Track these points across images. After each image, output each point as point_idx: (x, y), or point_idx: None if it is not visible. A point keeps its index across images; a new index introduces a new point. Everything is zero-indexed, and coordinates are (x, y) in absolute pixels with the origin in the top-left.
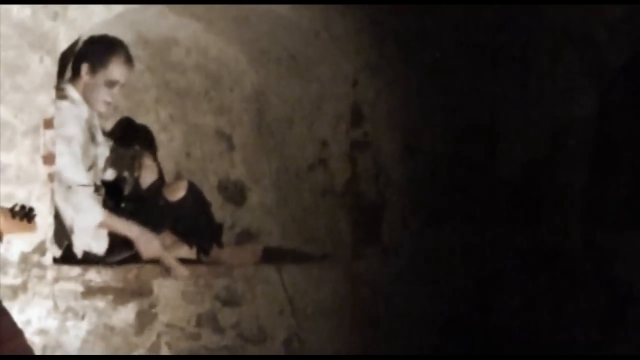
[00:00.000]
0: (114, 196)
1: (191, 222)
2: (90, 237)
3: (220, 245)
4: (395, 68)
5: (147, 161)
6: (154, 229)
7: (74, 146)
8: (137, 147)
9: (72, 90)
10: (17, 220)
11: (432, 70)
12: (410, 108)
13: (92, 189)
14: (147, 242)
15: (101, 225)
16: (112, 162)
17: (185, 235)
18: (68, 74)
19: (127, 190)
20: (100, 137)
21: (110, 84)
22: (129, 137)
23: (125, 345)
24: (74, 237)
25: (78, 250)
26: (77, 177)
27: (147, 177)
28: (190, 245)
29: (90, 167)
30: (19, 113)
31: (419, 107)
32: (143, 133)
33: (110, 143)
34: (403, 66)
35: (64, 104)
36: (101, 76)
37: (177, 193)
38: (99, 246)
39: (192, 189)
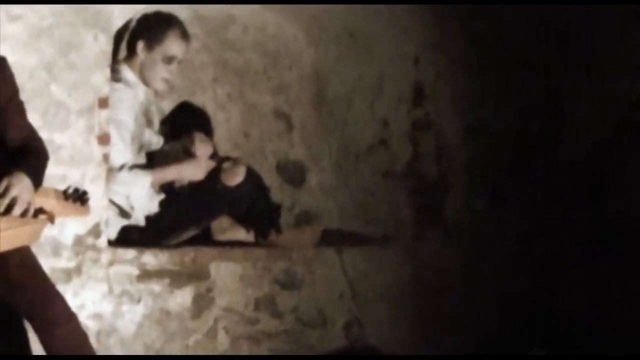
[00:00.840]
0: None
1: (249, 206)
2: (148, 200)
3: (278, 229)
4: (458, 46)
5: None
6: (210, 214)
7: (123, 131)
8: (189, 140)
9: (127, 71)
10: (70, 203)
11: (496, 48)
12: (473, 87)
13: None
14: (193, 171)
15: (152, 183)
16: (167, 153)
17: (243, 218)
18: (123, 53)
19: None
20: (156, 123)
21: (168, 59)
22: (185, 122)
23: (181, 330)
24: (135, 211)
25: (140, 219)
26: (124, 161)
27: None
28: (248, 229)
29: (140, 151)
30: (73, 92)
31: (481, 86)
32: (200, 117)
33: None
34: (465, 44)
35: (118, 86)
36: (158, 52)
37: (235, 178)
38: (154, 206)
39: (251, 174)
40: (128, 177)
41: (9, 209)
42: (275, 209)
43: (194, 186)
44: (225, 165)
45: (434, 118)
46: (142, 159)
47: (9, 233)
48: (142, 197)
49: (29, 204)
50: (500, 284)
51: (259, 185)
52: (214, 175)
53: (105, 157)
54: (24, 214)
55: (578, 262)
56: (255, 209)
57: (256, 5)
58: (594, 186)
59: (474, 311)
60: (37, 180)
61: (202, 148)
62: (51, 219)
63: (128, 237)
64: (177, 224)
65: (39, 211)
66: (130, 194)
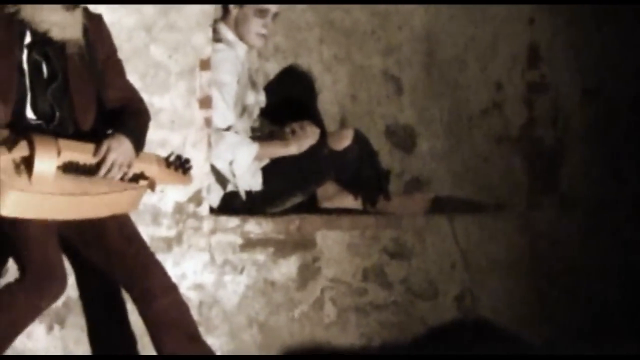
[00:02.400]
0: None
1: (357, 172)
2: (250, 175)
3: (387, 195)
4: (574, 5)
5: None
6: (317, 179)
7: (226, 93)
8: (298, 126)
9: (225, 31)
10: (171, 171)
11: (612, 7)
12: (590, 48)
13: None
14: (300, 145)
15: (257, 157)
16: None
17: (350, 185)
18: (219, 12)
19: None
20: (260, 85)
21: (261, 13)
22: (289, 85)
23: (286, 301)
24: (236, 179)
25: (241, 192)
26: (226, 124)
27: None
28: (356, 195)
29: (243, 113)
30: (174, 53)
31: (599, 47)
32: (304, 81)
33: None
34: (581, 3)
35: (220, 46)
36: (250, 6)
37: (342, 142)
38: (256, 183)
39: (358, 137)
40: (234, 141)
41: (108, 173)
42: (385, 175)
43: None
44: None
45: (549, 80)
46: (245, 124)
47: (108, 198)
48: (245, 167)
49: (129, 168)
50: (617, 253)
51: (367, 149)
52: (320, 139)
53: (207, 121)
54: (122, 178)
55: None
56: (363, 174)
57: None
58: None
59: (591, 283)
60: (138, 143)
61: (310, 135)
62: (152, 186)
63: (231, 205)
64: (282, 190)
65: (140, 177)
66: (235, 160)
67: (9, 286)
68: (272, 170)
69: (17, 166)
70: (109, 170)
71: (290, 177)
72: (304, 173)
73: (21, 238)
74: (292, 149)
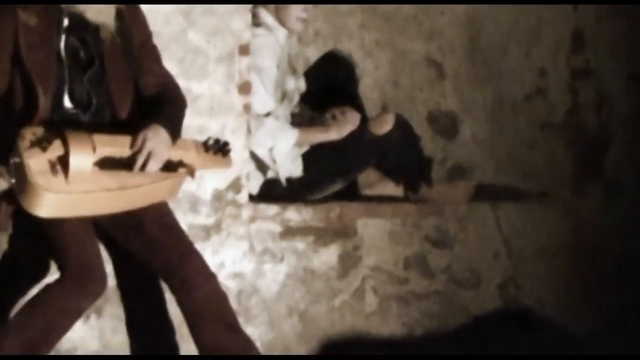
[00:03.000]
0: None
1: (398, 158)
2: (290, 162)
3: (429, 182)
4: None
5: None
6: (358, 165)
7: (265, 79)
8: (339, 111)
9: (265, 15)
10: (210, 155)
11: None
12: (635, 33)
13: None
14: (341, 130)
15: (297, 142)
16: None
17: (392, 171)
18: None
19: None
20: (300, 71)
21: None
22: (330, 71)
23: (327, 290)
24: (277, 166)
25: (280, 175)
26: (266, 110)
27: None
28: (397, 182)
29: (282, 99)
30: (212, 38)
31: None
32: (345, 66)
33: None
34: None
35: (259, 31)
36: None
37: (383, 127)
38: (296, 169)
39: (400, 122)
40: (274, 127)
41: (145, 164)
42: (427, 162)
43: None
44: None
45: (594, 66)
46: (285, 109)
47: (146, 189)
48: (285, 153)
49: (166, 158)
50: None
51: (409, 134)
52: (361, 124)
53: (246, 107)
54: (160, 168)
55: None
56: (405, 159)
57: None
58: None
59: (636, 272)
60: (174, 131)
61: (351, 121)
62: (191, 172)
63: (270, 192)
64: (322, 177)
65: (178, 165)
66: (275, 146)
67: (48, 287)
68: (313, 157)
69: (52, 166)
70: (145, 163)
71: (331, 164)
72: (345, 159)
73: (59, 238)
74: (333, 134)
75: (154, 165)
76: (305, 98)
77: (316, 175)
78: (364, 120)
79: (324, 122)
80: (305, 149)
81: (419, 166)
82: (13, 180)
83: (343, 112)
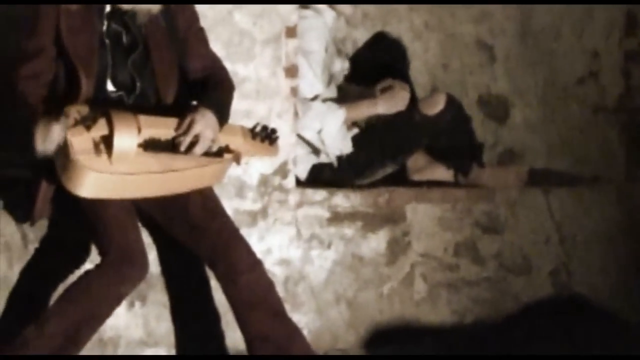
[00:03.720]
0: None
1: (450, 139)
2: (340, 140)
3: (481, 164)
4: None
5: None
6: (409, 147)
7: (313, 61)
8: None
9: None
10: (257, 142)
11: None
12: None
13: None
14: (387, 110)
15: (346, 119)
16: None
17: (443, 153)
18: None
19: None
20: (349, 53)
21: None
22: (379, 53)
23: (375, 277)
24: (326, 147)
25: (331, 157)
26: (313, 93)
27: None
28: (448, 166)
29: (330, 82)
30: (259, 20)
31: None
32: (395, 49)
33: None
34: None
35: (307, 13)
36: None
37: (434, 107)
38: (347, 146)
39: (452, 102)
40: (321, 110)
41: (191, 147)
42: (479, 143)
43: (389, 119)
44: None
45: None
46: (332, 92)
47: (191, 173)
48: (333, 134)
49: (213, 142)
50: None
51: (461, 114)
52: (411, 105)
53: (293, 91)
54: (207, 152)
55: None
56: (457, 140)
57: None
58: None
59: None
60: (222, 115)
61: (399, 95)
62: (237, 159)
63: (318, 177)
64: (372, 160)
65: (225, 150)
66: (323, 129)
67: (88, 273)
68: (363, 140)
69: (96, 146)
70: (192, 146)
71: (382, 146)
72: (396, 141)
73: (100, 222)
74: (380, 107)
75: (200, 148)
76: (353, 81)
77: (366, 159)
78: (415, 101)
79: (373, 95)
80: (355, 131)
81: (471, 147)
82: (69, 126)
83: (392, 86)
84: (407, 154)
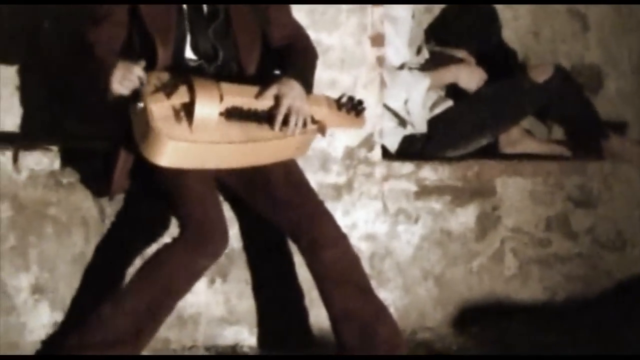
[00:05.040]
0: None
1: (562, 108)
2: (424, 107)
3: (605, 134)
4: None
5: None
6: (514, 116)
7: (400, 29)
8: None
9: None
10: (343, 113)
11: None
12: None
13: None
14: (469, 78)
15: (430, 87)
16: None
17: (560, 124)
18: None
19: None
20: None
21: None
22: (471, 21)
23: (464, 252)
24: (412, 117)
25: (417, 127)
26: (400, 62)
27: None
28: (572, 142)
29: (419, 51)
30: None
31: None
32: (486, 15)
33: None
34: None
35: None
36: None
37: (542, 75)
38: (427, 114)
39: (560, 71)
40: (408, 79)
41: (286, 121)
42: (596, 117)
43: (495, 87)
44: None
45: None
46: (419, 59)
47: (274, 144)
48: (418, 103)
49: (304, 114)
50: None
51: (571, 83)
52: (519, 73)
53: (379, 60)
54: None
55: None
56: (571, 110)
57: None
58: None
59: None
60: (307, 85)
61: (479, 70)
62: (322, 130)
63: (405, 149)
64: (470, 130)
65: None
66: (409, 99)
67: (167, 246)
68: (462, 109)
69: (176, 113)
70: (285, 119)
71: (484, 115)
72: (502, 108)
73: (179, 194)
74: (463, 74)
75: (296, 121)
76: (438, 38)
77: (463, 129)
78: (520, 67)
79: (455, 63)
80: (449, 103)
81: (590, 117)
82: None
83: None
84: (511, 123)
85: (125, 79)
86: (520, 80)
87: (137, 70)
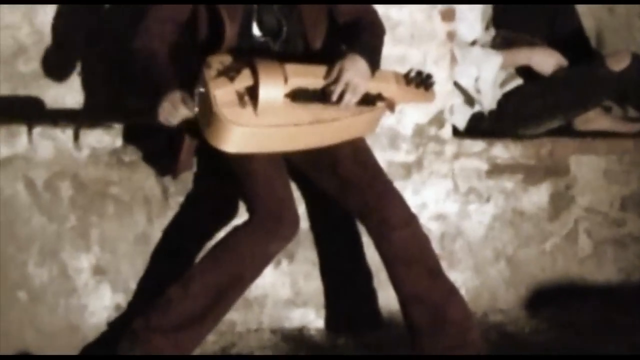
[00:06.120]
0: None
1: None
2: (495, 85)
3: None
4: None
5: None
6: (588, 101)
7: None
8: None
9: None
10: (412, 88)
11: None
12: None
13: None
14: (543, 61)
15: (502, 65)
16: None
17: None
18: None
19: None
20: None
21: None
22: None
23: (537, 232)
24: (481, 96)
25: (486, 105)
26: (472, 37)
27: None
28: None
29: (489, 26)
30: None
31: None
32: None
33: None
34: None
35: None
36: None
37: (619, 63)
38: (498, 93)
39: (637, 59)
40: (480, 56)
41: (342, 97)
42: None
43: (570, 72)
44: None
45: None
46: (489, 35)
47: (342, 123)
48: (489, 81)
49: (364, 90)
50: None
51: None
52: (595, 60)
53: (450, 35)
54: (358, 101)
55: None
56: None
57: None
58: None
59: None
60: (373, 61)
61: (557, 55)
62: (390, 107)
63: (474, 127)
64: (540, 112)
65: (377, 98)
66: (480, 76)
67: (235, 230)
68: (535, 89)
69: (240, 98)
70: (342, 94)
71: (557, 98)
72: (574, 94)
73: (247, 176)
74: (538, 57)
75: (351, 98)
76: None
77: (534, 110)
78: (596, 54)
79: (532, 45)
80: (519, 81)
81: None
82: (197, 109)
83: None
84: (583, 110)
85: (170, 115)
86: (596, 67)
87: (183, 111)
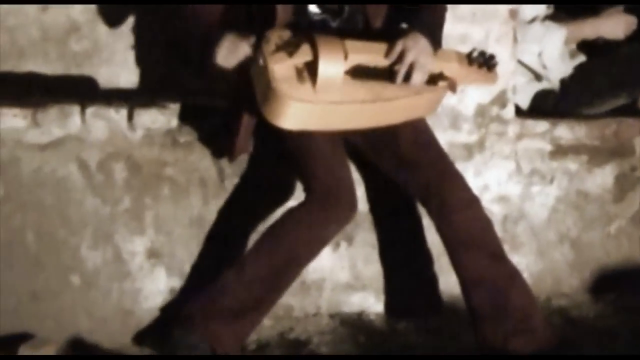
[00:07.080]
0: None
1: None
2: (561, 60)
3: None
4: None
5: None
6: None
7: None
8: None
9: None
10: (474, 68)
11: None
12: None
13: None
14: (612, 29)
15: (567, 39)
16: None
17: None
18: None
19: None
20: None
21: None
22: None
23: (602, 214)
24: (548, 71)
25: (553, 83)
26: (533, 14)
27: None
28: None
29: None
30: None
31: None
32: None
33: None
34: None
35: None
36: None
37: None
38: (568, 67)
39: None
40: (540, 31)
41: (408, 77)
42: None
43: (636, 46)
44: None
45: None
46: (551, 11)
47: (402, 102)
48: (555, 56)
49: (430, 70)
50: None
51: None
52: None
53: (512, 13)
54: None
55: None
56: None
57: None
58: None
59: None
60: (435, 40)
61: (627, 17)
62: (452, 87)
63: (540, 106)
64: (604, 89)
65: (438, 77)
66: (543, 52)
67: (292, 212)
68: (599, 66)
69: (299, 73)
70: (407, 74)
71: (622, 74)
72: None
73: (305, 157)
74: (603, 28)
75: (418, 77)
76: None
77: (598, 87)
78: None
79: (597, 14)
80: (582, 58)
81: None
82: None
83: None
84: None
85: (230, 54)
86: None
87: (244, 48)
